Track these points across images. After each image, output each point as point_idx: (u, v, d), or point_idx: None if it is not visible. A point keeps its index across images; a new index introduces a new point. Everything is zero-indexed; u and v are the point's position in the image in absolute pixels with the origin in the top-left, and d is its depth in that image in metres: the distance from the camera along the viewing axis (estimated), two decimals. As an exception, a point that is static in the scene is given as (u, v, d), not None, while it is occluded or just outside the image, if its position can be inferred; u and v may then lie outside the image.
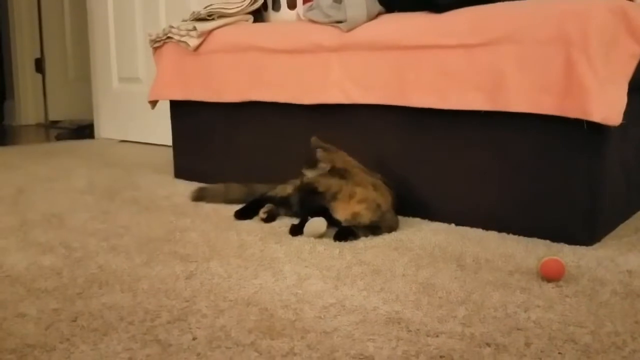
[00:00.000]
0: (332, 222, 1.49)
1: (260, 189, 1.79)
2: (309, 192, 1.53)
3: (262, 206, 1.65)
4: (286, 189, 1.70)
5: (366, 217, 1.48)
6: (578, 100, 1.35)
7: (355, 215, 1.48)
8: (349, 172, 1.52)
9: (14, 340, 0.92)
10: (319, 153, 1.53)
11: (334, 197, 1.49)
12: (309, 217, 1.48)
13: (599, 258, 1.31)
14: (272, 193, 1.71)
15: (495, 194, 1.53)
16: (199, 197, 1.88)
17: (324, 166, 1.52)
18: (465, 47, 1.52)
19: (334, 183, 1.50)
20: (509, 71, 1.45)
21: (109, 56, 3.54)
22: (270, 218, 1.63)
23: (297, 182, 1.68)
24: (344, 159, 1.56)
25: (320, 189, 1.51)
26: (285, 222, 1.61)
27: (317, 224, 1.46)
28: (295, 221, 1.53)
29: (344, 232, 1.46)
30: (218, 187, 1.90)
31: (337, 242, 1.43)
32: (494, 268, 1.25)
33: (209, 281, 1.18)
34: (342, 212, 1.49)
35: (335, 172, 1.52)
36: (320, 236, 1.46)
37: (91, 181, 2.23)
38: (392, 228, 1.53)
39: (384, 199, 1.52)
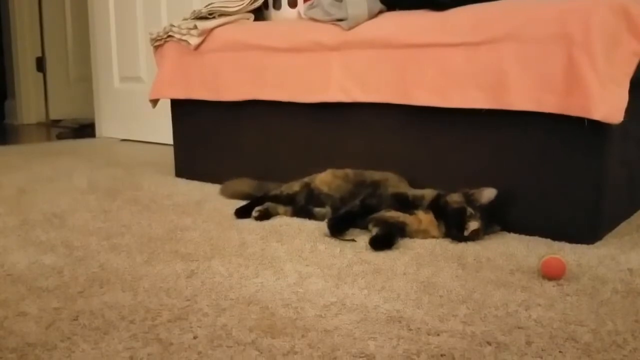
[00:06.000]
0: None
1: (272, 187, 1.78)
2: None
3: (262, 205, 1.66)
4: (293, 186, 1.70)
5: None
6: (579, 99, 1.34)
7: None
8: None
9: (15, 339, 0.92)
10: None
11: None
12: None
13: (600, 256, 1.31)
14: (277, 191, 1.71)
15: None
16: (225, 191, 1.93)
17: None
18: (467, 45, 1.52)
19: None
20: (510, 70, 1.45)
21: (111, 55, 3.54)
22: (262, 217, 1.63)
23: (305, 180, 1.69)
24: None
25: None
26: (285, 221, 1.61)
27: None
28: (295, 219, 1.52)
29: (383, 239, 1.40)
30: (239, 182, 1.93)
31: (364, 247, 1.40)
32: (495, 267, 1.25)
33: (210, 280, 1.18)
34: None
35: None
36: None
37: (92, 180, 2.23)
38: None
39: None
